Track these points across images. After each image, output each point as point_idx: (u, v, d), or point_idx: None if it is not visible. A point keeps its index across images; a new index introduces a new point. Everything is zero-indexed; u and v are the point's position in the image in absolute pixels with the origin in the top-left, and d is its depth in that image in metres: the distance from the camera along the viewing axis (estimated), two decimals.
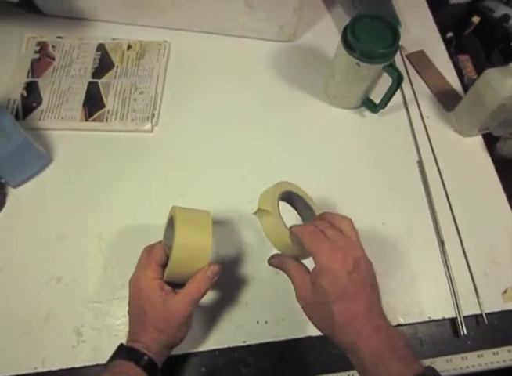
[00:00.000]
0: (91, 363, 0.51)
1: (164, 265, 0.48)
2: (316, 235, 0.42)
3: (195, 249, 0.45)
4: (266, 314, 0.55)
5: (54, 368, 0.51)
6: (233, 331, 0.54)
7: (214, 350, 0.53)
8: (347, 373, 0.53)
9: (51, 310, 0.53)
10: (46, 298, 0.54)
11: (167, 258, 0.48)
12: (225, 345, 0.53)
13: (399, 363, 0.39)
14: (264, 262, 0.57)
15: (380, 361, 0.39)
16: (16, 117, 0.64)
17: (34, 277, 0.55)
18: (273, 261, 0.47)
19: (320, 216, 0.46)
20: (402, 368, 0.38)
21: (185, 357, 0.52)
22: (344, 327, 0.40)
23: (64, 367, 0.51)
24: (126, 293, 0.54)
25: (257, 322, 0.55)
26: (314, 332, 0.54)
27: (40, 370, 0.50)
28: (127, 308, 0.54)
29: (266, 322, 0.55)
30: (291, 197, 0.50)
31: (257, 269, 0.57)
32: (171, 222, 0.49)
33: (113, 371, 0.44)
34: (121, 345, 0.46)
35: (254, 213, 0.45)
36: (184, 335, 0.48)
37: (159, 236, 0.57)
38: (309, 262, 0.43)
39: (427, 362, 0.54)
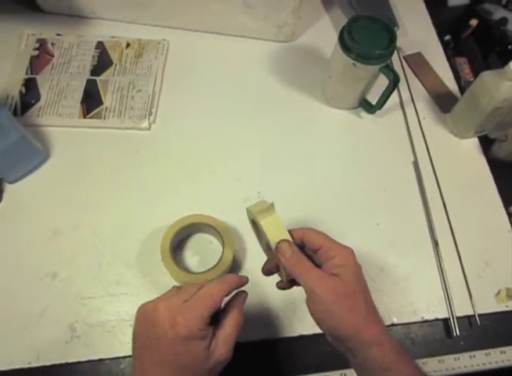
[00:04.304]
0: (84, 358, 0.51)
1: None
2: (320, 233, 0.42)
3: None
4: (259, 313, 0.55)
5: (48, 363, 0.51)
6: None
7: None
8: (341, 371, 0.53)
9: (46, 306, 0.54)
10: (41, 293, 0.54)
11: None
12: None
13: (413, 363, 0.39)
14: (256, 260, 0.57)
15: (399, 356, 0.39)
16: (15, 113, 0.64)
17: (29, 273, 0.55)
18: (282, 244, 0.41)
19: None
20: (415, 367, 0.39)
21: None
22: (371, 314, 0.40)
23: (58, 362, 0.51)
24: (120, 289, 0.55)
25: (251, 320, 0.55)
26: (307, 331, 0.55)
27: (34, 365, 0.51)
28: (119, 305, 0.54)
29: (260, 320, 0.55)
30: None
31: (250, 266, 0.58)
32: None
33: None
34: None
35: (249, 212, 0.45)
36: None
37: (153, 233, 0.57)
38: None
39: (419, 362, 0.55)
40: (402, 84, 0.73)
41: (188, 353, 0.38)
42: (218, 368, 0.40)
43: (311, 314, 0.41)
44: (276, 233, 0.42)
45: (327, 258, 0.41)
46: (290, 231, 0.43)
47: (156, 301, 0.40)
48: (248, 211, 0.46)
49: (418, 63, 0.77)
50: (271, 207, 0.43)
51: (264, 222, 0.42)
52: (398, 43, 0.61)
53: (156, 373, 0.38)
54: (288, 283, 0.45)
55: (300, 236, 0.43)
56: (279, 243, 0.41)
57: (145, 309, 0.40)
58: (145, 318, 0.40)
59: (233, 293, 0.44)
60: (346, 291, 0.39)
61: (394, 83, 0.61)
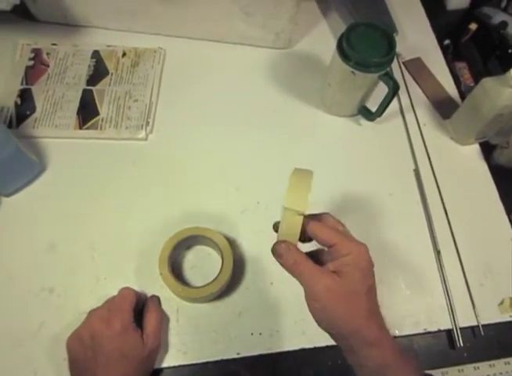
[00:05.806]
0: None
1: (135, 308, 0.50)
2: (334, 230, 0.42)
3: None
4: (260, 326, 0.54)
5: None
6: (227, 343, 0.53)
7: (208, 362, 0.52)
8: None
9: (43, 321, 0.53)
10: (38, 309, 0.53)
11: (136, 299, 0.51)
12: (219, 358, 0.52)
13: (413, 363, 0.40)
14: (256, 272, 0.57)
15: (400, 356, 0.39)
16: (10, 125, 0.64)
17: (25, 288, 0.54)
18: (279, 248, 0.40)
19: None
20: (414, 367, 0.40)
21: (177, 370, 0.52)
22: (373, 315, 0.40)
23: None
24: None
25: (252, 334, 0.54)
26: (308, 344, 0.54)
27: None
28: None
29: (260, 334, 0.54)
30: None
31: (250, 279, 0.57)
32: None
33: None
34: None
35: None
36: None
37: (151, 246, 0.56)
38: None
39: None
40: (402, 91, 0.72)
41: (127, 343, 0.47)
42: (154, 356, 0.50)
43: (310, 312, 0.40)
44: (289, 230, 0.41)
45: (339, 256, 0.40)
46: (308, 219, 0.42)
47: (84, 323, 0.49)
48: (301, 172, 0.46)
49: (418, 68, 0.76)
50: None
51: (285, 214, 0.41)
52: (398, 48, 0.60)
53: (106, 371, 0.45)
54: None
55: (313, 232, 0.42)
56: (274, 245, 0.41)
57: (77, 334, 0.48)
58: (80, 338, 0.47)
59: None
60: (345, 291, 0.39)
61: (393, 91, 0.60)
